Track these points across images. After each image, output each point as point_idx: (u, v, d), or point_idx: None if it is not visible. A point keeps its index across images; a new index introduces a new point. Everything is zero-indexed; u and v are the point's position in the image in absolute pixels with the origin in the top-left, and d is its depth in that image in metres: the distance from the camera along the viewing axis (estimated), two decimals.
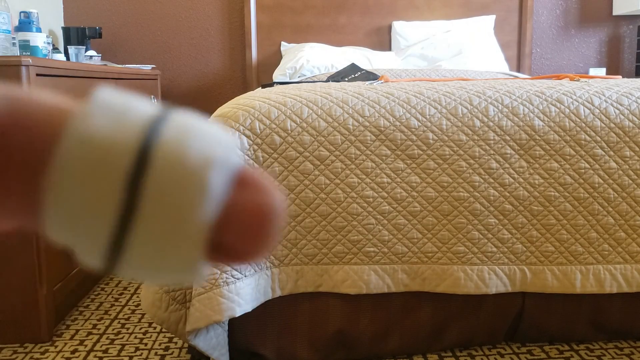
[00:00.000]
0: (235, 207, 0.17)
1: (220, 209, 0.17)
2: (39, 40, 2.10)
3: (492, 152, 1.34)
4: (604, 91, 1.42)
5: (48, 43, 2.19)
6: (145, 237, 0.17)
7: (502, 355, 1.45)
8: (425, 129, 1.33)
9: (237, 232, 0.17)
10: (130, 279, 0.18)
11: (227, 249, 0.17)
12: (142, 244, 0.17)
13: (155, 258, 0.17)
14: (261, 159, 1.30)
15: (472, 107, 1.36)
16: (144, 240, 0.17)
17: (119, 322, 1.68)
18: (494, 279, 1.36)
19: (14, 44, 2.00)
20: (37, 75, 1.52)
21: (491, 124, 1.35)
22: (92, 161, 0.16)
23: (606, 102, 1.39)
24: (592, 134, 1.36)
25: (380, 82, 1.65)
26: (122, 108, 0.18)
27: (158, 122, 0.17)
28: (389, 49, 3.20)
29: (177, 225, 0.17)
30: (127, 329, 1.64)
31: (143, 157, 0.17)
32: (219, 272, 1.23)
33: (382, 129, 1.32)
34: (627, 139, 1.37)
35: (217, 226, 0.17)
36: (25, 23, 2.11)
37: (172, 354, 1.49)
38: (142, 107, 0.18)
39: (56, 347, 1.53)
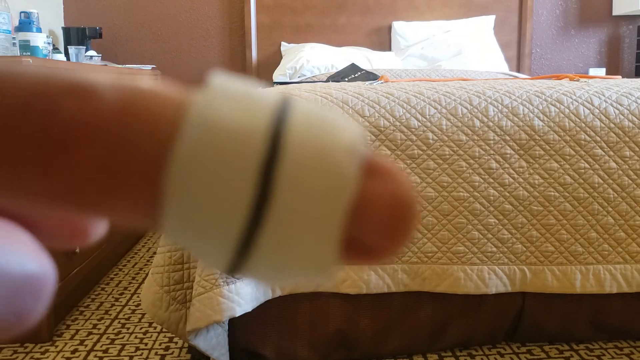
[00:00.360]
0: (369, 198, 0.16)
1: (355, 200, 0.15)
2: (39, 40, 2.10)
3: (492, 152, 1.34)
4: (604, 91, 1.42)
5: (48, 43, 2.19)
6: (279, 234, 0.15)
7: (502, 355, 1.45)
8: (425, 129, 1.33)
9: (373, 226, 0.16)
10: (258, 279, 0.17)
11: (362, 246, 0.16)
12: (276, 242, 0.15)
13: (288, 256, 0.16)
14: None
15: (472, 107, 1.36)
16: (277, 238, 0.15)
17: (119, 322, 1.68)
18: (494, 279, 1.36)
19: (14, 44, 2.00)
20: None
21: (491, 124, 1.35)
22: (218, 151, 0.15)
23: (606, 102, 1.39)
24: (592, 134, 1.36)
25: (380, 82, 1.65)
26: (243, 94, 0.16)
27: (284, 108, 0.16)
28: (389, 49, 3.20)
29: (314, 219, 0.15)
30: (128, 328, 1.64)
31: (275, 144, 0.15)
32: (219, 272, 1.23)
33: (382, 129, 1.32)
34: (627, 139, 1.37)
35: (352, 220, 0.16)
36: (26, 23, 2.11)
37: (172, 354, 1.49)
38: (263, 93, 0.16)
39: (56, 347, 1.53)
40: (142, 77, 2.63)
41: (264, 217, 0.15)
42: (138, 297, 1.88)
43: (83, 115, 0.15)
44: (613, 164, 1.36)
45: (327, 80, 2.16)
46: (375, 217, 0.15)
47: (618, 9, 3.26)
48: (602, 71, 3.32)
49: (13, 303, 0.16)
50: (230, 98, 0.16)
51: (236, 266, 0.16)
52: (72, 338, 1.59)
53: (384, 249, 0.16)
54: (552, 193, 1.36)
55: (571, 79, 1.66)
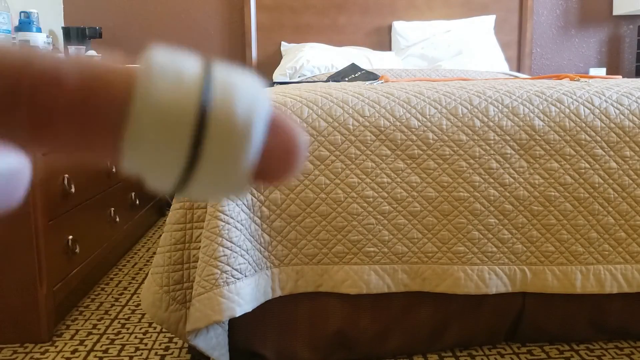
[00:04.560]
0: (270, 145, 0.24)
1: (261, 147, 0.23)
2: (39, 40, 2.10)
3: (492, 152, 1.34)
4: (604, 91, 1.42)
5: (48, 43, 2.19)
6: (208, 174, 0.23)
7: (502, 355, 1.45)
8: (426, 129, 1.33)
9: (273, 164, 0.24)
10: (192, 199, 0.26)
11: (265, 174, 0.24)
12: (205, 179, 0.23)
13: (214, 186, 0.24)
14: None
15: (472, 107, 1.36)
16: (206, 176, 0.23)
17: (119, 322, 1.68)
18: (494, 279, 1.36)
19: (14, 43, 2.00)
20: None
21: (491, 124, 1.35)
22: (162, 120, 0.22)
23: (606, 102, 1.39)
24: (592, 134, 1.36)
25: (380, 82, 1.65)
26: (177, 70, 0.23)
27: (208, 82, 0.23)
28: (389, 49, 3.20)
29: (231, 165, 0.23)
30: (127, 329, 1.64)
31: (202, 116, 0.22)
32: (219, 272, 1.23)
33: (382, 129, 1.32)
34: (627, 139, 1.37)
35: (260, 158, 0.24)
36: (26, 23, 2.11)
37: (172, 354, 1.48)
38: (192, 66, 0.23)
39: (56, 347, 1.53)
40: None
41: (196, 165, 0.23)
42: (138, 297, 1.88)
43: (53, 86, 0.21)
44: (613, 164, 1.36)
45: (327, 80, 2.15)
46: (274, 157, 0.24)
47: (618, 9, 3.26)
48: (602, 71, 3.32)
49: (1, 191, 0.23)
50: (168, 75, 0.22)
51: (177, 191, 0.24)
52: (72, 338, 1.58)
53: (280, 176, 0.24)
54: (553, 193, 1.35)
55: (571, 79, 1.66)
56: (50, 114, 0.21)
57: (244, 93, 0.23)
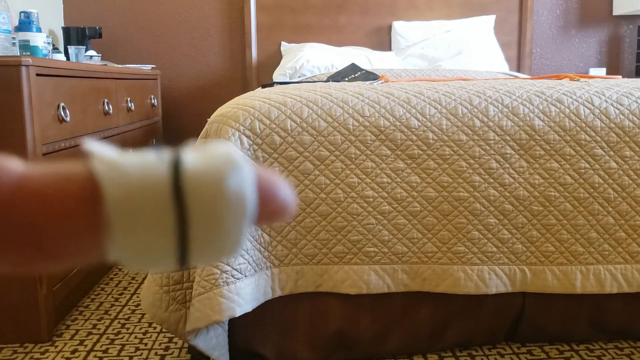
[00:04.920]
0: (260, 201, 0.24)
1: (253, 205, 0.23)
2: (39, 40, 2.10)
3: (492, 152, 1.34)
4: (604, 91, 1.42)
5: (48, 43, 2.19)
6: (202, 243, 0.22)
7: (502, 355, 1.45)
8: (426, 129, 1.33)
9: (264, 215, 0.24)
10: (198, 265, 0.26)
11: (260, 220, 0.25)
12: (202, 248, 0.22)
13: (212, 252, 0.23)
14: (261, 159, 1.30)
15: (472, 107, 1.36)
16: (202, 245, 0.22)
17: (119, 322, 1.68)
18: (494, 279, 1.36)
19: (14, 44, 2.00)
20: (37, 75, 1.52)
21: (491, 124, 1.35)
22: (139, 206, 0.21)
23: (606, 102, 1.39)
24: (592, 134, 1.36)
25: (380, 82, 1.65)
26: (135, 158, 0.22)
27: (172, 159, 0.22)
28: (389, 49, 3.20)
29: (220, 230, 0.22)
30: (127, 329, 1.64)
31: (177, 185, 0.21)
32: (219, 272, 1.23)
33: (382, 129, 1.32)
34: (627, 139, 1.37)
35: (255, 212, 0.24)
36: (25, 23, 2.11)
37: (172, 354, 1.48)
38: (145, 154, 0.22)
39: (56, 347, 1.53)
40: (138, 85, 2.63)
41: (188, 237, 0.22)
42: (138, 297, 1.88)
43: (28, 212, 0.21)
44: (613, 164, 1.36)
45: (327, 80, 2.15)
46: (266, 212, 0.24)
47: (618, 9, 3.26)
48: (602, 71, 3.32)
49: None
50: (123, 160, 0.21)
51: (182, 263, 0.23)
52: (72, 338, 1.58)
53: (272, 221, 0.25)
54: (553, 193, 1.35)
55: (571, 79, 1.66)
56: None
57: (214, 159, 0.23)
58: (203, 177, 0.22)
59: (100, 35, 2.85)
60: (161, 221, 0.21)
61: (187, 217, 0.21)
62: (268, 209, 0.24)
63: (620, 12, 3.24)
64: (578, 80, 1.62)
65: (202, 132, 1.34)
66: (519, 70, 3.29)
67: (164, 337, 1.58)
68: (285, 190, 0.25)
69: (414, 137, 1.33)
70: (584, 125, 1.36)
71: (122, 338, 1.58)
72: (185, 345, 1.53)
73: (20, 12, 2.17)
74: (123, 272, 2.13)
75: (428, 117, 1.34)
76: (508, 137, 1.34)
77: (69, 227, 0.21)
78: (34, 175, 0.21)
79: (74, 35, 2.80)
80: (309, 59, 2.80)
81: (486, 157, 1.34)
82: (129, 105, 2.37)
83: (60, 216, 0.21)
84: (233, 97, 3.19)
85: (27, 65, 1.46)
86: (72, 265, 0.23)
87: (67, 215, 0.21)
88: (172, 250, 0.22)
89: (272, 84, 1.91)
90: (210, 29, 3.20)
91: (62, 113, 1.66)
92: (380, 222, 1.33)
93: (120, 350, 1.50)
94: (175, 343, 1.55)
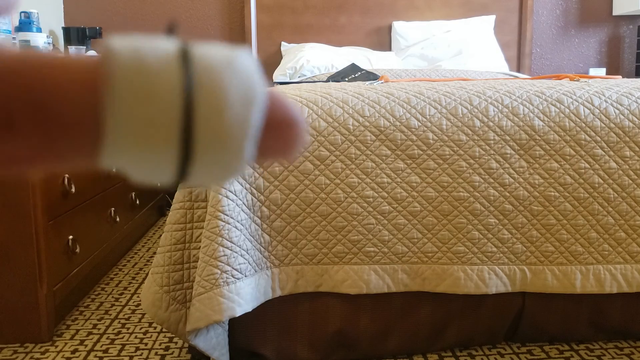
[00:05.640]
0: (269, 121, 0.22)
1: (261, 125, 0.21)
2: (39, 40, 2.10)
3: (492, 152, 1.34)
4: (604, 91, 1.42)
5: (48, 43, 2.19)
6: (206, 157, 0.20)
7: (502, 355, 1.45)
8: (426, 129, 1.33)
9: (274, 141, 0.22)
10: (193, 185, 0.22)
11: (267, 150, 0.23)
12: (204, 165, 0.20)
13: (215, 169, 0.21)
14: None
15: (472, 107, 1.36)
16: (205, 159, 0.20)
17: (119, 322, 1.68)
18: (494, 279, 1.36)
19: (14, 44, 2.00)
20: None
21: (491, 124, 1.35)
22: (146, 87, 0.18)
23: (606, 102, 1.39)
24: (592, 134, 1.36)
25: (380, 82, 1.65)
26: (149, 53, 0.19)
27: (187, 62, 0.20)
28: (389, 49, 3.20)
29: (229, 144, 0.20)
30: (128, 328, 1.64)
31: (188, 99, 0.19)
32: (219, 272, 1.23)
33: (382, 129, 1.32)
34: (627, 139, 1.37)
35: (262, 134, 0.22)
36: (26, 23, 2.11)
37: (172, 354, 1.49)
38: (164, 47, 0.20)
39: (56, 347, 1.53)
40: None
41: (192, 147, 0.19)
42: (138, 297, 1.88)
43: (17, 94, 0.18)
44: (613, 164, 1.36)
45: (327, 80, 2.15)
46: (275, 135, 0.22)
47: (618, 9, 3.26)
48: (602, 71, 3.32)
49: None
50: (140, 49, 0.19)
51: (179, 176, 0.21)
52: (72, 338, 1.58)
53: (282, 152, 0.23)
54: (553, 193, 1.35)
55: (571, 79, 1.66)
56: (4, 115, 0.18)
57: (232, 68, 0.21)
58: (212, 61, 0.20)
59: (100, 35, 2.85)
60: (164, 124, 0.19)
61: (193, 110, 0.19)
62: (277, 132, 0.22)
63: (620, 12, 3.24)
64: (578, 80, 1.62)
65: None
66: (518, 70, 3.29)
67: (164, 337, 1.58)
68: (298, 113, 0.23)
69: (414, 137, 1.33)
70: (583, 125, 1.36)
71: (122, 338, 1.58)
72: (186, 345, 1.53)
73: (21, 12, 2.17)
74: (123, 272, 2.13)
75: (428, 117, 1.34)
76: (508, 137, 1.35)
77: (73, 110, 0.18)
78: (39, 54, 0.19)
79: (74, 36, 2.80)
80: (309, 59, 2.80)
81: (486, 157, 1.34)
82: None
83: (65, 96, 0.18)
84: None
85: None
86: (62, 164, 0.20)
87: (72, 97, 0.18)
88: (173, 151, 0.19)
89: (272, 84, 1.91)
90: (210, 29, 3.20)
91: None
92: (380, 222, 1.33)
93: (120, 350, 1.50)
94: (176, 343, 1.55)
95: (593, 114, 1.37)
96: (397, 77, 2.34)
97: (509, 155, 1.35)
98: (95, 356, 1.48)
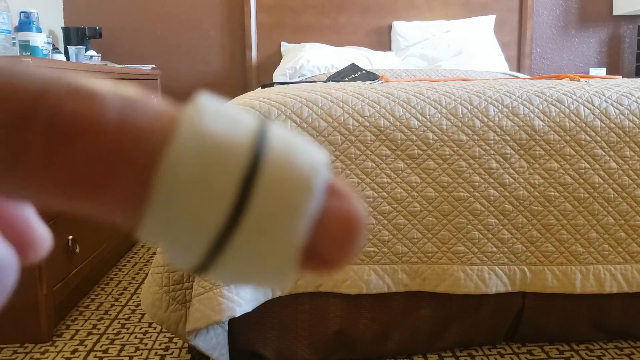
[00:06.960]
0: (327, 215, 0.18)
1: (316, 215, 0.18)
2: (39, 40, 2.10)
3: (492, 152, 1.34)
4: (604, 91, 1.42)
5: (48, 43, 2.19)
6: (250, 240, 0.17)
7: (502, 355, 1.45)
8: (426, 129, 1.33)
9: (328, 239, 0.18)
10: (220, 280, 0.19)
11: (318, 256, 0.18)
12: (245, 246, 0.17)
13: (253, 261, 0.17)
14: None
15: (472, 107, 1.36)
16: (247, 243, 0.17)
17: (119, 322, 1.68)
18: (494, 279, 1.36)
19: (14, 44, 2.00)
20: None
21: (491, 124, 1.35)
22: (205, 159, 0.16)
23: (606, 102, 1.39)
24: (592, 134, 1.36)
25: (380, 82, 1.65)
26: (228, 113, 0.18)
27: (264, 129, 0.18)
28: (389, 49, 3.20)
29: (282, 229, 0.17)
30: (127, 329, 1.64)
31: (256, 159, 0.17)
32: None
33: (382, 129, 1.32)
34: (627, 139, 1.37)
35: (311, 233, 0.18)
36: (25, 23, 2.11)
37: (172, 354, 1.48)
38: (244, 113, 0.18)
39: (56, 347, 1.53)
40: (139, 85, 2.63)
41: (238, 224, 0.17)
42: (138, 297, 1.88)
43: (86, 114, 0.16)
44: (613, 164, 1.36)
45: (327, 80, 2.15)
46: (331, 231, 0.18)
47: (618, 9, 3.26)
48: (602, 71, 3.32)
49: None
50: (217, 115, 0.17)
51: (204, 266, 0.18)
52: (72, 338, 1.58)
53: (336, 259, 0.18)
54: (553, 193, 1.35)
55: (571, 79, 1.66)
56: (72, 155, 0.16)
57: (306, 148, 0.18)
58: (286, 166, 0.17)
59: (100, 35, 2.85)
60: (218, 193, 0.17)
61: (248, 202, 0.17)
62: (333, 230, 0.18)
63: (620, 12, 3.24)
64: (578, 80, 1.62)
65: None
66: (519, 70, 3.29)
67: (164, 337, 1.58)
68: (363, 211, 0.18)
69: (414, 137, 1.33)
70: (584, 125, 1.36)
71: (122, 338, 1.58)
72: (185, 345, 1.53)
73: (20, 12, 2.17)
74: (123, 272, 2.13)
75: (428, 117, 1.34)
76: (508, 137, 1.35)
77: (132, 172, 0.16)
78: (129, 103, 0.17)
79: (74, 36, 2.80)
80: (309, 59, 2.80)
81: (486, 157, 1.34)
82: None
83: (131, 155, 0.16)
84: (233, 98, 3.19)
85: (36, 67, 1.46)
86: (104, 216, 0.18)
87: (136, 158, 0.16)
88: (211, 233, 0.17)
89: (272, 84, 1.91)
90: (210, 29, 3.20)
91: None
92: (380, 222, 1.33)
93: (120, 350, 1.50)
94: (175, 343, 1.55)
95: (593, 114, 1.37)
96: (397, 77, 2.34)
97: (509, 155, 1.35)
98: (95, 356, 1.48)
